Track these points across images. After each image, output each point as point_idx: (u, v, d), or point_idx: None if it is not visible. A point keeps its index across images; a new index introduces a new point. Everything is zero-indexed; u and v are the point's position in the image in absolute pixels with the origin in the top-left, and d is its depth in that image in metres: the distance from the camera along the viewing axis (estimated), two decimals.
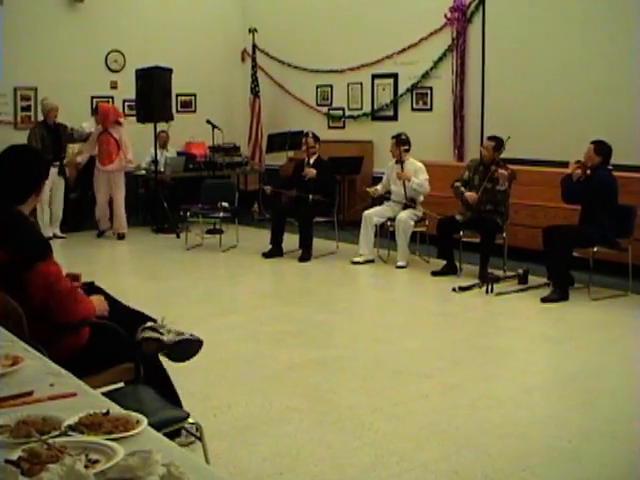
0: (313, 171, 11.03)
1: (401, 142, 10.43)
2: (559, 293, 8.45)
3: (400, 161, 10.33)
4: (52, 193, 12.55)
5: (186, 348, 4.37)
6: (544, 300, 8.37)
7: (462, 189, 9.59)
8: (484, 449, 4.71)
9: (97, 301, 4.33)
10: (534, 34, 11.18)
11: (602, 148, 8.61)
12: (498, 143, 9.56)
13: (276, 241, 10.96)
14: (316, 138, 11.47)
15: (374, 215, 10.53)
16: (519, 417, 5.27)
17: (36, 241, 4.09)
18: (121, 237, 12.66)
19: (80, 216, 13.30)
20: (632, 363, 6.56)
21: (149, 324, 4.34)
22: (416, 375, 6.14)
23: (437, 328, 7.70)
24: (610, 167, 8.76)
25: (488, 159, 9.56)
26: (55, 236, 12.38)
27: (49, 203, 12.60)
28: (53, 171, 11.98)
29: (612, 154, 8.62)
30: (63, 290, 4.07)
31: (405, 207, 10.36)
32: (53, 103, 12.52)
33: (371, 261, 10.48)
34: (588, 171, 8.60)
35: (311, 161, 11.25)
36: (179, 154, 14.68)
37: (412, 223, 10.24)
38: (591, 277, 8.63)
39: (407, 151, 10.44)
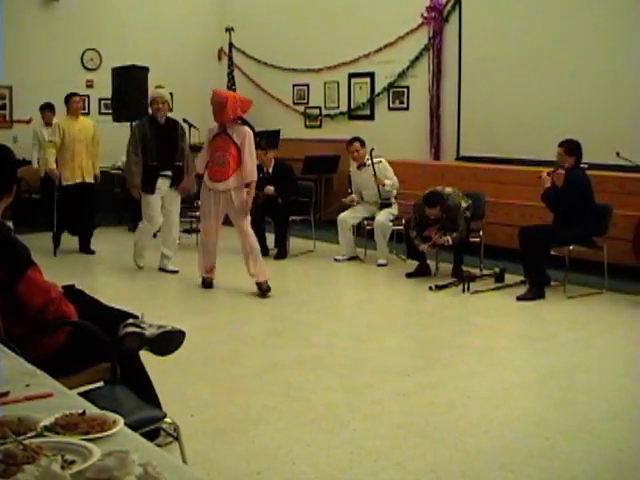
0: (271, 189, 11.06)
1: (363, 143, 10.47)
2: (534, 292, 8.50)
3: (364, 164, 10.37)
4: (165, 214, 9.96)
5: (169, 340, 4.35)
6: (519, 299, 8.41)
7: (416, 242, 9.53)
8: (461, 447, 4.72)
9: None
10: (510, 33, 11.23)
11: (572, 147, 8.62)
12: (431, 200, 9.31)
13: (259, 240, 10.97)
14: (271, 146, 11.60)
15: (348, 217, 10.60)
16: (496, 415, 5.29)
17: (22, 252, 4.00)
18: (265, 291, 8.75)
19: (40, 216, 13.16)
20: (608, 360, 6.59)
21: (130, 320, 4.32)
22: (393, 374, 6.15)
23: (414, 327, 7.71)
24: (585, 165, 8.79)
25: (432, 216, 9.41)
26: (163, 269, 9.94)
27: (158, 225, 10.07)
28: (163, 183, 9.77)
29: (582, 151, 8.63)
30: (57, 293, 4.04)
31: (382, 207, 10.38)
32: (161, 92, 9.95)
33: (354, 257, 10.60)
34: (561, 170, 8.61)
35: (270, 170, 11.28)
36: None
37: (390, 224, 10.29)
38: (567, 275, 8.68)
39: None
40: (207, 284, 9.15)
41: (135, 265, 10.06)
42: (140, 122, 9.93)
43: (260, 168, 11.46)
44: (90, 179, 11.32)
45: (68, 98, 11.39)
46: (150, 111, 9.88)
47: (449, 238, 9.18)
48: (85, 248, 11.30)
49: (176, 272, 9.81)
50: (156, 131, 9.64)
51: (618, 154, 8.78)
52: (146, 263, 10.08)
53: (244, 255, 8.89)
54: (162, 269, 9.91)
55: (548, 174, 8.67)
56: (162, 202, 9.84)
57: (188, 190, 10.09)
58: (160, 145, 9.62)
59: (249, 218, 8.91)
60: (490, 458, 4.55)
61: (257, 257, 8.88)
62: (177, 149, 9.74)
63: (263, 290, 8.69)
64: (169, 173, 9.75)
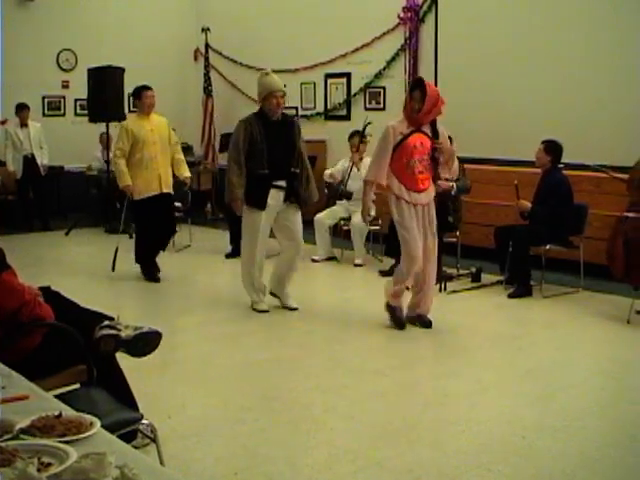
0: None
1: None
2: (523, 288, 8.56)
3: (361, 157, 10.48)
4: (287, 235, 8.00)
5: (146, 341, 4.32)
6: (511, 296, 8.48)
7: None
8: (439, 446, 4.73)
9: None
10: (486, 34, 11.25)
11: (552, 147, 8.68)
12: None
13: (236, 241, 11.00)
14: None
15: (325, 218, 10.62)
16: (473, 414, 5.30)
17: None
18: (428, 324, 7.47)
19: (17, 217, 13.16)
20: (584, 359, 6.63)
21: (106, 322, 4.30)
22: (371, 374, 6.16)
23: (391, 327, 7.71)
24: (561, 165, 8.83)
25: None
26: (287, 309, 8.12)
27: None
28: (275, 196, 7.77)
29: (563, 153, 8.71)
30: (31, 296, 4.02)
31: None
32: (279, 83, 7.80)
33: (332, 258, 10.63)
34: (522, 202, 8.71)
35: None
36: None
37: (367, 224, 10.30)
38: (544, 275, 8.72)
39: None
40: (402, 322, 7.46)
41: (251, 307, 8.14)
42: (245, 120, 7.87)
43: None
44: (169, 189, 9.38)
45: (139, 92, 9.46)
46: (262, 106, 7.83)
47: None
48: (152, 273, 9.52)
49: (295, 309, 8.10)
50: (267, 131, 7.67)
51: (590, 166, 8.84)
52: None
53: (416, 284, 7.52)
54: (285, 307, 8.16)
55: (518, 203, 8.74)
56: (277, 220, 7.93)
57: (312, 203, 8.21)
58: (272, 148, 7.68)
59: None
60: (467, 457, 4.57)
61: (431, 288, 7.53)
62: (294, 153, 7.80)
63: (426, 323, 7.47)
64: (283, 184, 7.80)
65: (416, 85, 7.20)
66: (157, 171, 9.20)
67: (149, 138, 9.15)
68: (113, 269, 9.88)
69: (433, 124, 7.29)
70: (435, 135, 7.24)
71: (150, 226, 9.31)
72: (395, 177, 7.21)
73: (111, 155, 9.37)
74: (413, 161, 7.12)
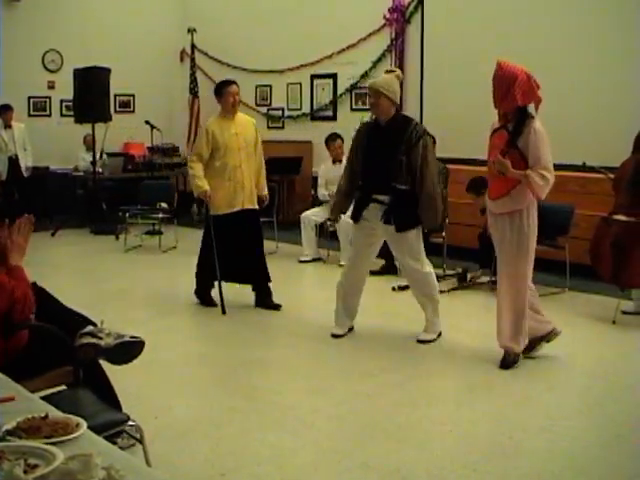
0: None
1: (343, 140, 10.55)
2: None
3: (339, 160, 10.43)
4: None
5: (127, 350, 4.29)
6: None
7: None
8: (426, 446, 4.73)
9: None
10: (472, 34, 11.26)
11: (476, 188, 8.81)
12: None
13: None
14: None
15: (312, 215, 10.60)
16: (460, 414, 5.31)
17: None
18: (510, 363, 6.26)
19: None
20: (570, 359, 6.63)
21: (87, 329, 4.25)
22: (357, 374, 6.15)
23: (378, 327, 7.71)
24: None
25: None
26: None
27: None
28: (372, 212, 6.71)
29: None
30: (21, 292, 4.00)
31: None
32: (374, 81, 6.78)
33: (318, 259, 10.60)
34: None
35: None
36: (117, 155, 14.63)
37: None
38: None
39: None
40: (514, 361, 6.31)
41: (335, 327, 7.26)
42: (360, 126, 7.18)
43: None
44: (253, 205, 8.02)
45: (220, 88, 7.96)
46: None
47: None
48: (264, 301, 8.21)
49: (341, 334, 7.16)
50: (373, 137, 6.65)
51: (584, 164, 8.83)
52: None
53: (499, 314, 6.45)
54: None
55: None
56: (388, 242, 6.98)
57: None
58: (369, 157, 6.62)
59: (527, 266, 6.18)
60: (454, 457, 4.57)
61: (502, 318, 6.37)
62: (394, 164, 6.50)
63: (507, 362, 6.28)
64: (385, 199, 6.61)
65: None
66: (241, 183, 7.87)
67: (233, 143, 7.83)
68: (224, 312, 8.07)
69: (520, 119, 6.07)
70: (516, 135, 6.03)
71: (224, 248, 7.94)
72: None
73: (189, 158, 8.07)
74: (490, 162, 6.12)
